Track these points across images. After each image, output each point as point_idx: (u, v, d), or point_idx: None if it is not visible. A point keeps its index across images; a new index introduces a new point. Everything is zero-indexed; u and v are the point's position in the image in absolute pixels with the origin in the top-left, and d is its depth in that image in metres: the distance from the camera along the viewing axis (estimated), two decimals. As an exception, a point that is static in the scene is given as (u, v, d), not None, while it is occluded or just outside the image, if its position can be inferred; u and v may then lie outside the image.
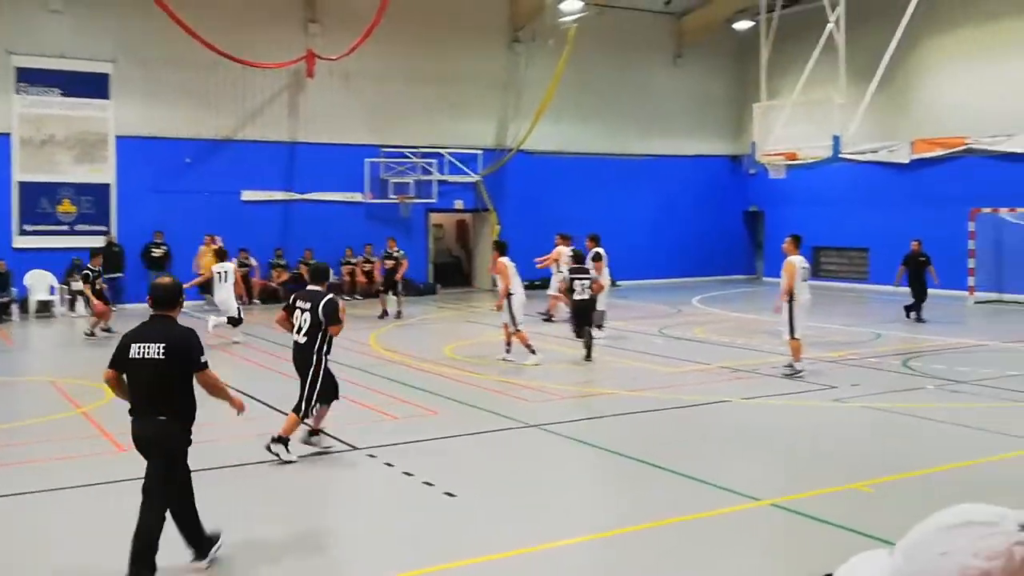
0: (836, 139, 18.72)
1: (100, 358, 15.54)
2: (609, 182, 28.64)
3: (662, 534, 6.56)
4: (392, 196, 25.55)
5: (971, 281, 22.30)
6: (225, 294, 16.46)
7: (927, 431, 9.60)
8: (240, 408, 6.25)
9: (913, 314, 18.75)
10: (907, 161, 25.42)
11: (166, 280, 6.21)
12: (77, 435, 9.53)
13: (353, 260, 25.07)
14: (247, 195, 24.01)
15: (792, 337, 12.67)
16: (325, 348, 8.44)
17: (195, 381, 5.78)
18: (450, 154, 26.50)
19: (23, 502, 7.37)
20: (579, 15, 24.52)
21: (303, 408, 8.39)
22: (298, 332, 8.52)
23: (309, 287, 8.89)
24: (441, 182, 26.36)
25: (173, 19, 19.57)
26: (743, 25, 28.43)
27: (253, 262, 23.08)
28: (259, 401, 10.52)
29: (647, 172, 29.37)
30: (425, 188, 26.02)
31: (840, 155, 19.79)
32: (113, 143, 22.53)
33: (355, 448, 8.82)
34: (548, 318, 18.83)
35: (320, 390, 8.42)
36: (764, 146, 20.20)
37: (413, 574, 5.83)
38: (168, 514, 5.70)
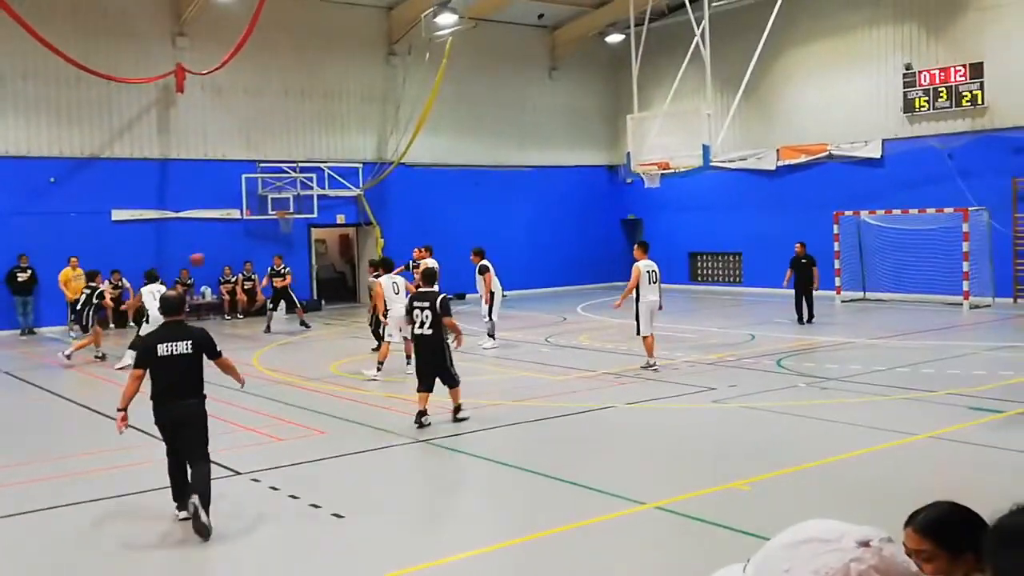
0: (706, 148, 19.34)
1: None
2: (490, 193, 28.84)
3: (549, 543, 6.65)
4: (271, 212, 25.06)
5: (837, 281, 23.41)
6: None
7: (800, 428, 10.04)
8: (242, 383, 7.97)
9: (805, 315, 19.14)
10: (774, 168, 26.55)
11: (172, 294, 8.09)
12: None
13: (232, 279, 24.46)
14: (117, 214, 23.14)
15: (639, 334, 13.85)
16: (444, 334, 10.45)
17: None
18: (330, 168, 26.20)
19: None
20: (454, 28, 24.65)
21: (455, 378, 10.52)
22: (421, 326, 10.47)
23: (422, 289, 10.97)
24: (322, 197, 26.02)
25: (27, 30, 18.71)
26: (615, 38, 29.13)
27: (126, 284, 22.20)
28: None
29: (527, 183, 29.73)
30: (306, 203, 25.63)
31: (711, 163, 20.46)
32: (-32, 163, 21.36)
33: (238, 473, 8.62)
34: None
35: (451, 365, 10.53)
36: (638, 156, 20.71)
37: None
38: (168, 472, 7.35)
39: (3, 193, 21.55)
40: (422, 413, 10.25)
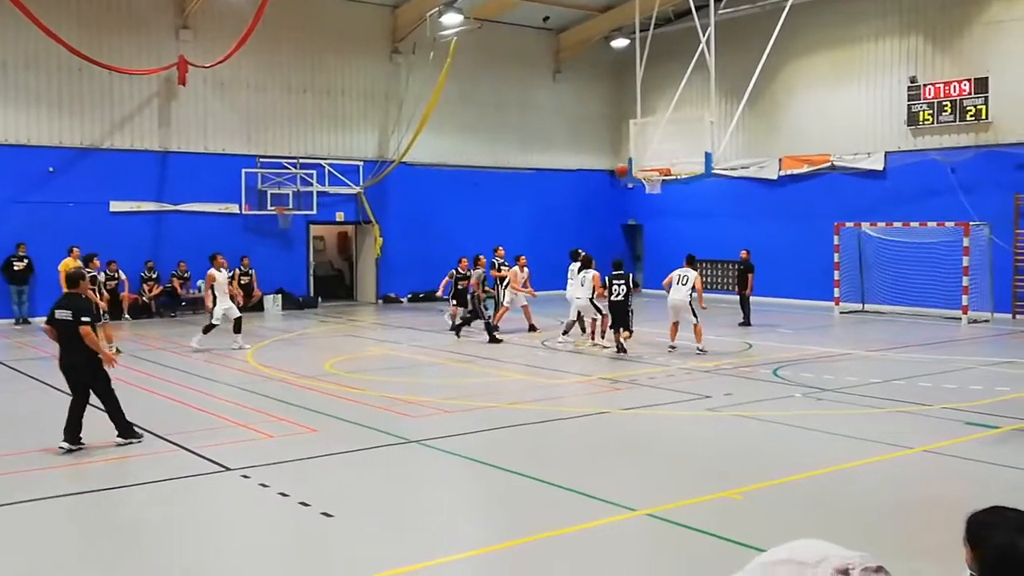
0: (708, 156, 19.28)
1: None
2: (490, 195, 28.79)
3: (539, 548, 6.59)
4: (271, 207, 25.00)
5: (836, 292, 23.36)
6: None
7: (795, 438, 9.98)
8: (111, 363, 9.52)
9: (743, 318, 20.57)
10: (776, 177, 26.50)
11: (75, 271, 10.39)
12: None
13: (228, 273, 24.32)
14: (116, 206, 23.08)
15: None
16: (629, 300, 15.84)
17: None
18: (331, 165, 26.15)
19: None
20: (459, 28, 24.61)
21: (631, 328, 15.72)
22: (616, 296, 15.86)
23: (615, 272, 16.16)
24: (322, 193, 25.97)
25: (30, 19, 18.68)
26: (620, 43, 29.07)
27: (122, 275, 22.15)
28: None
29: (528, 185, 29.68)
30: (305, 199, 25.57)
31: (713, 171, 20.39)
32: (-33, 151, 21.30)
33: (228, 469, 8.56)
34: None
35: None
36: (640, 161, 20.64)
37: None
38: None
39: (2, 181, 21.48)
40: (620, 347, 15.53)
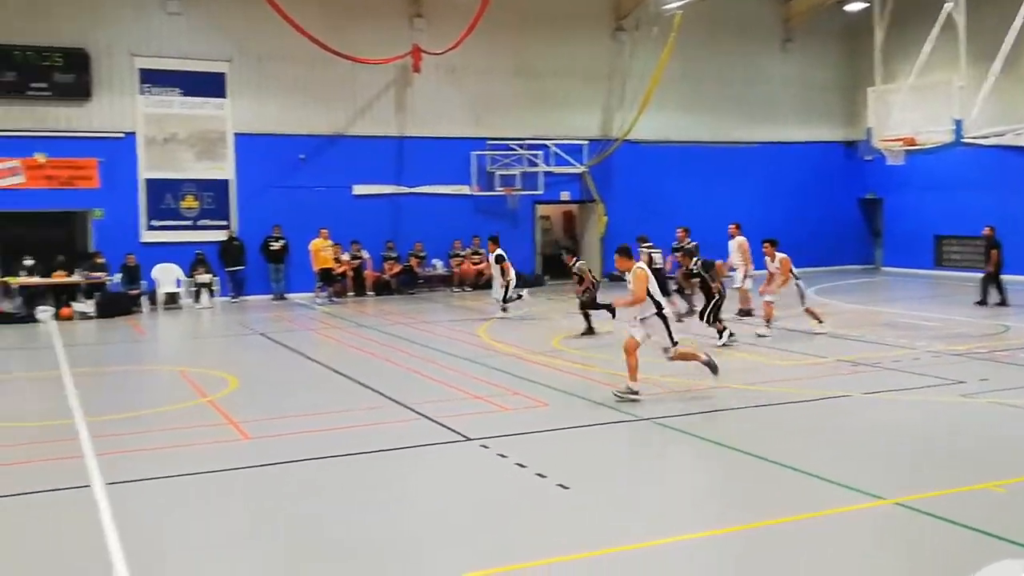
0: (958, 123, 17.91)
1: (226, 349, 16.17)
2: (716, 170, 28.20)
3: (778, 532, 6.42)
4: (499, 188, 25.74)
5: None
6: None
7: (1063, 429, 9.11)
8: None
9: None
10: (1035, 144, 24.17)
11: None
12: (204, 423, 9.92)
13: (461, 252, 25.35)
14: (358, 189, 24.57)
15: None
16: None
17: None
18: (556, 145, 26.51)
19: (148, 487, 7.72)
20: (684, 2, 24.14)
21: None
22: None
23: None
24: (547, 173, 26.41)
25: (283, 17, 20.15)
26: (855, 6, 27.47)
27: (365, 255, 23.64)
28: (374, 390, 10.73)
29: (755, 160, 28.77)
30: (531, 180, 26.12)
31: (963, 139, 18.92)
32: (231, 140, 23.40)
33: (468, 439, 8.92)
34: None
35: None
36: (881, 131, 19.48)
37: (526, 566, 5.84)
38: None
39: (262, 168, 23.46)
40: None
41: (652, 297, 10.53)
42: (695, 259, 15.06)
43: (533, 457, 8.23)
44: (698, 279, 14.94)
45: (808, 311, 15.74)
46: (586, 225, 28.07)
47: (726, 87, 28.39)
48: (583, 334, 15.96)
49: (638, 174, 27.19)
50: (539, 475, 7.69)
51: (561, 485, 7.41)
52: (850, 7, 27.78)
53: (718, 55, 28.09)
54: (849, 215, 30.04)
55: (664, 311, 10.64)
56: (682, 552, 6.17)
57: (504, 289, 18.86)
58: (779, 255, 15.70)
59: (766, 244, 15.90)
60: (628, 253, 11.09)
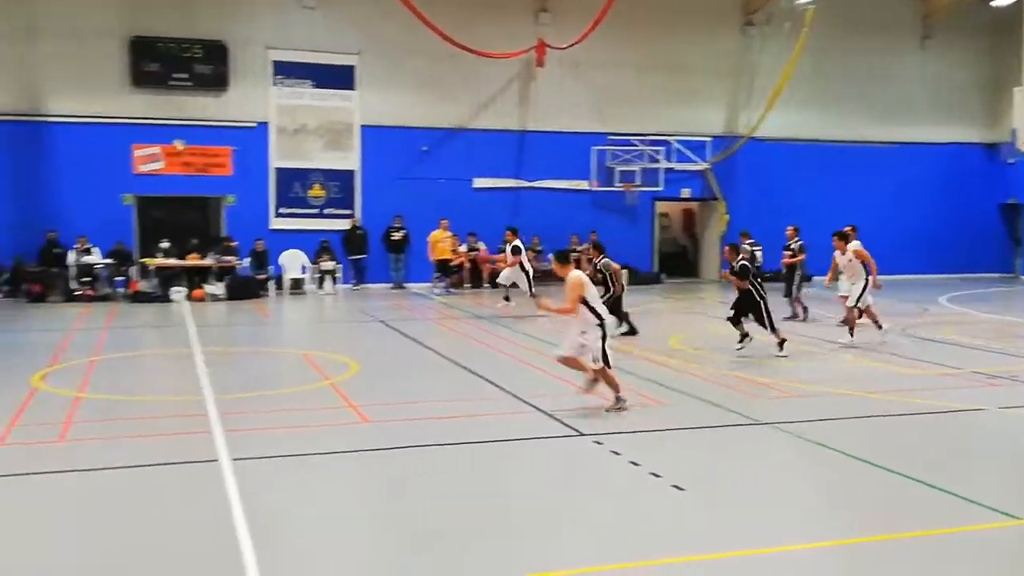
0: (1115, 124, 16.80)
1: (347, 334, 16.56)
2: (845, 170, 27.31)
3: (901, 547, 6.13)
4: (618, 184, 25.57)
5: None
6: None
7: None
8: None
9: None
10: None
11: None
12: (325, 405, 10.19)
13: (579, 248, 25.24)
14: (478, 182, 24.81)
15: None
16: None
17: None
18: (678, 141, 26.14)
19: (272, 464, 7.97)
20: (819, -4, 23.41)
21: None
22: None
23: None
24: (668, 170, 26.07)
25: (413, 12, 20.50)
26: (1002, 1, 26.06)
27: (482, 247, 23.87)
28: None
29: (887, 160, 27.71)
30: (651, 176, 25.83)
31: (1121, 142, 17.74)
32: (358, 132, 23.98)
33: (581, 434, 8.88)
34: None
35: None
36: (1028, 132, 18.45)
37: (635, 566, 5.76)
38: None
39: (388, 159, 23.99)
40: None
41: (590, 307, 9.53)
42: (741, 256, 13.95)
43: (647, 456, 8.12)
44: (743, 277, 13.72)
45: (868, 313, 14.87)
46: (706, 223, 27.60)
47: (858, 84, 27.41)
48: (627, 333, 15.24)
49: (763, 172, 26.55)
50: (653, 474, 7.58)
51: (676, 486, 7.28)
52: (996, 2, 26.39)
53: (851, 51, 27.13)
54: (988, 221, 28.58)
55: (605, 324, 9.62)
56: (803, 562, 5.98)
57: (527, 278, 18.50)
58: (853, 245, 14.79)
59: (840, 235, 14.90)
60: (566, 258, 9.99)
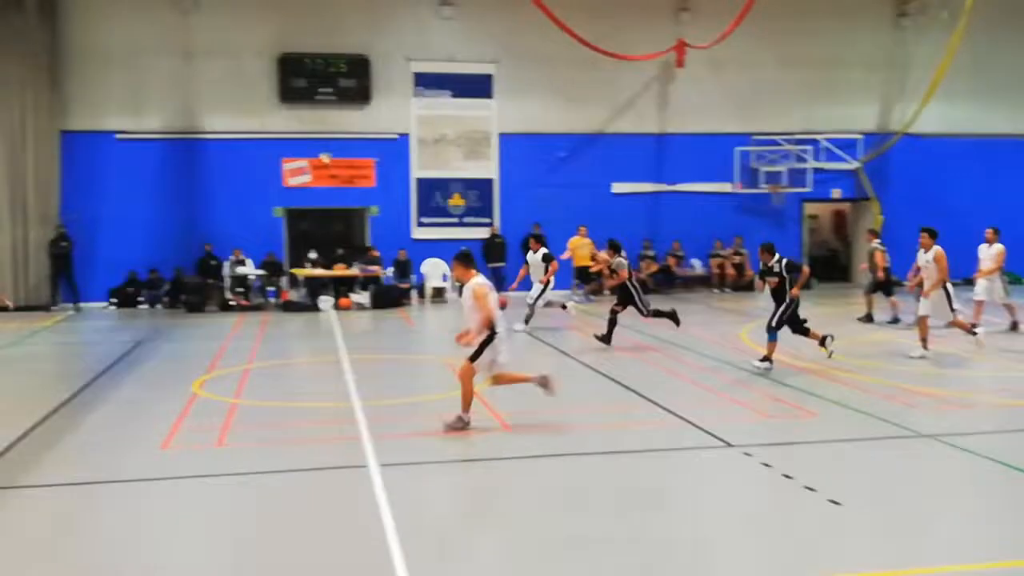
0: None
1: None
2: (1010, 167, 25.57)
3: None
4: (763, 185, 24.79)
5: None
6: None
7: None
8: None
9: None
10: None
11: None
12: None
13: (722, 252, 24.65)
14: (616, 187, 24.55)
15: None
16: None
17: None
18: (826, 140, 25.13)
19: (419, 470, 8.00)
20: (980, -19, 22.02)
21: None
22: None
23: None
24: (816, 170, 25.10)
25: (551, 18, 20.47)
26: None
27: (606, 255, 23.48)
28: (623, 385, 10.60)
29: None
30: (798, 177, 24.91)
31: None
32: (496, 140, 24.13)
33: (730, 445, 8.56)
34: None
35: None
36: None
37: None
38: None
39: (525, 166, 24.04)
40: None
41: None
42: (777, 256, 12.95)
43: (800, 469, 7.74)
44: (776, 279, 12.79)
45: (956, 323, 13.61)
46: (859, 225, 26.38)
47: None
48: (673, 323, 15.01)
49: (919, 170, 25.19)
50: (808, 488, 7.21)
51: (832, 501, 6.90)
52: None
53: (1017, 39, 25.43)
54: None
55: (498, 332, 9.14)
56: (977, 588, 5.52)
57: (542, 289, 17.06)
58: (935, 248, 13.51)
59: (929, 232, 13.65)
60: (469, 261, 9.31)
